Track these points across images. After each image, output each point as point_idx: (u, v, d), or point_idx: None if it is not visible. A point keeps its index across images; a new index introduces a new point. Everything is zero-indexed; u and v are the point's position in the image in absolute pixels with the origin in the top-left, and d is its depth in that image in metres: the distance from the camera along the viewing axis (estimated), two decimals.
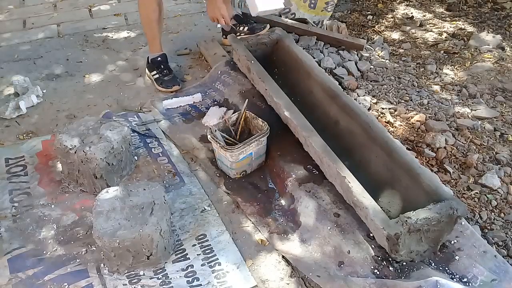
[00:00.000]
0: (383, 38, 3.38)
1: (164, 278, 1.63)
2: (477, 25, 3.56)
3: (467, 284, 1.56)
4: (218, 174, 2.09)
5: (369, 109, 2.49)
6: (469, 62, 3.04)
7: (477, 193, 2.02)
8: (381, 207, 1.61)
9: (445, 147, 2.22)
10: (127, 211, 1.63)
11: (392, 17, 3.78)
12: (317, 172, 1.95)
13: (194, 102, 2.58)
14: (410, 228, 1.53)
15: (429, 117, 2.45)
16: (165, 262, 1.68)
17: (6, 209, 1.88)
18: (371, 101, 2.57)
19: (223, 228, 1.81)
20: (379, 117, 2.44)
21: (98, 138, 1.93)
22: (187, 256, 1.71)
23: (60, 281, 1.60)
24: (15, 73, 2.84)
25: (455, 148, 2.23)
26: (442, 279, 1.46)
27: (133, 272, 1.64)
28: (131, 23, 3.50)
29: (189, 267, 1.67)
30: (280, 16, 3.15)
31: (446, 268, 1.61)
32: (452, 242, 1.68)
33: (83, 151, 1.88)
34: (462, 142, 2.26)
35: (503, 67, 2.96)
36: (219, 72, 2.68)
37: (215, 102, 2.55)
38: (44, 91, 2.70)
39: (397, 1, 4.04)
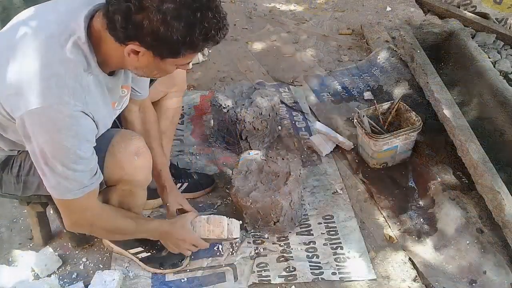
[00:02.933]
0: None
1: (285, 246, 1.68)
2: None
3: None
4: (357, 160, 2.08)
5: None
6: None
7: None
8: None
9: None
10: (263, 175, 1.71)
11: None
12: (466, 181, 1.85)
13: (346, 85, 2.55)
14: None
15: None
16: (289, 232, 1.73)
17: None
18: None
19: (352, 214, 1.82)
20: None
21: (250, 102, 2.03)
22: (311, 232, 1.74)
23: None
24: None
25: None
26: None
27: (258, 234, 1.73)
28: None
29: (311, 243, 1.70)
30: (459, 8, 2.98)
31: None
32: None
33: (235, 111, 2.00)
34: None
35: None
36: (379, 57, 2.65)
37: (368, 88, 2.54)
38: (210, 51, 2.86)
39: None
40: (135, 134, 1.38)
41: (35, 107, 1.03)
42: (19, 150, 1.32)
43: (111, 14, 1.01)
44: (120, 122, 1.59)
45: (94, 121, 1.14)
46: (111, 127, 1.46)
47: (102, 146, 1.25)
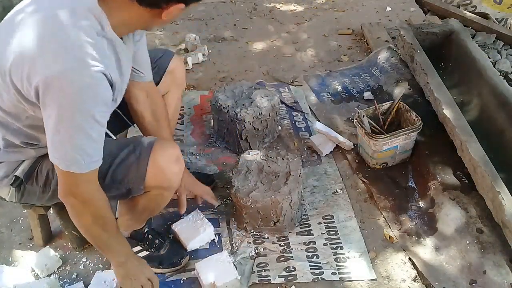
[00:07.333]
0: None
1: (285, 246, 1.71)
2: None
3: None
4: (357, 161, 2.08)
5: None
6: None
7: None
8: None
9: None
10: (263, 175, 1.75)
11: None
12: (466, 181, 1.83)
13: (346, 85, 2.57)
14: None
15: None
16: (289, 232, 1.73)
17: None
18: None
19: (352, 214, 1.82)
20: None
21: (250, 102, 2.08)
22: (311, 232, 1.75)
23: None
24: (188, 31, 3.10)
25: None
26: None
27: (258, 234, 1.74)
28: None
29: (311, 243, 1.71)
30: (459, 8, 2.98)
31: None
32: None
33: (235, 111, 2.02)
34: None
35: None
36: (379, 57, 2.65)
37: (368, 88, 2.55)
38: (210, 51, 2.91)
39: None
40: (172, 142, 1.48)
41: (55, 72, 1.01)
42: (36, 156, 1.29)
43: None
44: (128, 118, 1.61)
45: (112, 84, 1.12)
46: (120, 126, 1.60)
47: (142, 152, 1.29)
